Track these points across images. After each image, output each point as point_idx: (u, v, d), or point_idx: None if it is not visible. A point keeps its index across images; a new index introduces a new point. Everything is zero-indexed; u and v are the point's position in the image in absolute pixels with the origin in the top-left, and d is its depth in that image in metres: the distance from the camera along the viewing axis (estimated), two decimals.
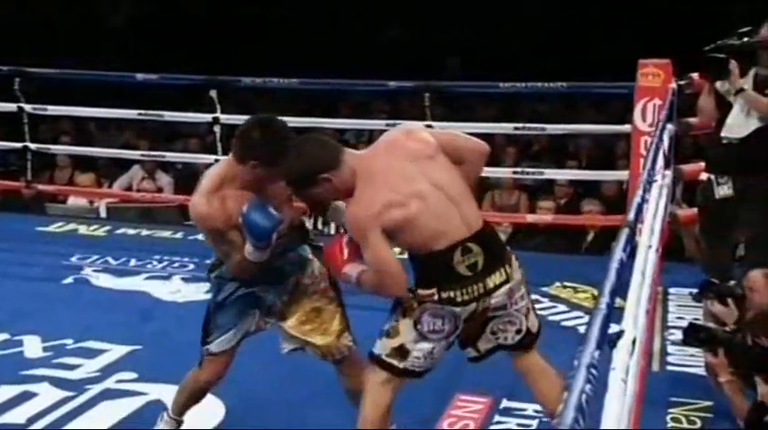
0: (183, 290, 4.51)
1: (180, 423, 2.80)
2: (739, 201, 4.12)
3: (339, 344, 2.68)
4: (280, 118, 2.60)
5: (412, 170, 2.33)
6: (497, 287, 2.39)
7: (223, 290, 2.66)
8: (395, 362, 2.41)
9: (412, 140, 2.39)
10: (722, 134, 4.03)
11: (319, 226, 5.59)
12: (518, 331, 2.49)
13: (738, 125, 3.97)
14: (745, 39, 3.97)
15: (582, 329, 3.88)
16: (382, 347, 2.43)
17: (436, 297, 2.34)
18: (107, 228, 5.75)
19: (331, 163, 2.32)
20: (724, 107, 4.04)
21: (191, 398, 2.79)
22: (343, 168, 2.32)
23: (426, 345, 2.39)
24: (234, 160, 2.52)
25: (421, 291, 2.36)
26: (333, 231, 5.43)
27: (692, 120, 4.52)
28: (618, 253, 1.61)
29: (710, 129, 4.23)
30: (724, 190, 4.05)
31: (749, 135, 3.96)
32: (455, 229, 2.34)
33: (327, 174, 2.31)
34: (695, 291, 4.30)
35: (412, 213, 2.29)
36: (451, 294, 2.33)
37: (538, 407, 3.14)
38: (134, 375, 3.41)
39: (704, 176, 4.21)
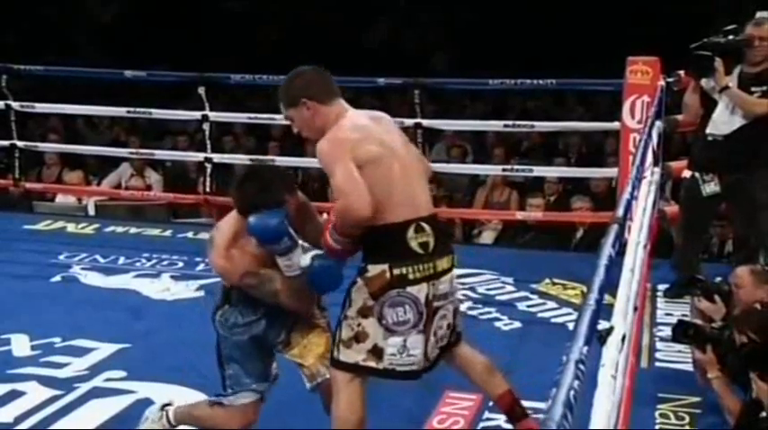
0: (172, 288, 4.49)
1: (174, 426, 2.77)
2: (725, 199, 4.15)
3: (320, 367, 2.62)
4: (269, 161, 2.65)
5: (386, 136, 2.47)
6: (445, 272, 2.43)
7: (224, 341, 2.61)
8: (373, 364, 2.41)
9: (394, 125, 2.59)
10: (707, 131, 4.06)
11: None
12: (448, 326, 2.53)
13: (723, 122, 4.00)
14: (731, 37, 4.00)
15: (571, 326, 3.89)
16: (356, 354, 2.41)
17: (388, 274, 2.34)
18: (95, 225, 5.72)
19: (318, 94, 2.44)
20: (709, 104, 4.06)
21: (202, 427, 2.73)
22: (329, 106, 2.44)
23: (397, 339, 2.38)
24: (239, 215, 2.52)
25: (371, 268, 2.37)
26: None
27: (680, 117, 4.54)
28: (607, 249, 1.61)
29: (695, 127, 4.26)
30: (711, 187, 4.08)
31: (734, 132, 3.99)
32: (411, 204, 2.40)
33: (310, 102, 2.42)
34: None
35: (380, 155, 2.38)
36: (403, 271, 2.35)
37: (527, 404, 3.13)
38: (123, 374, 3.39)
39: (687, 174, 4.23)
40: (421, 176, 2.49)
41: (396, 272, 2.35)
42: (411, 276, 2.36)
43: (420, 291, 2.37)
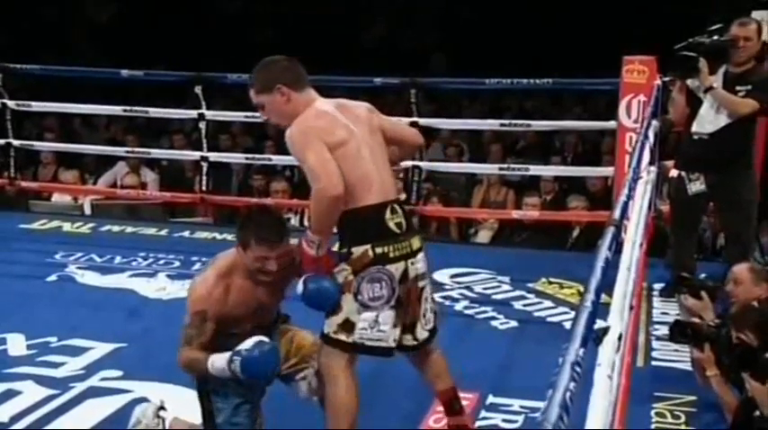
0: (168, 287, 4.48)
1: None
2: (711, 197, 4.18)
3: (313, 354, 2.64)
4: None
5: (352, 122, 2.56)
6: (418, 250, 2.56)
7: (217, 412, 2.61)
8: (342, 337, 2.50)
9: (362, 109, 2.64)
10: (693, 130, 4.10)
11: (306, 222, 5.58)
12: (431, 309, 2.66)
13: (708, 121, 4.04)
14: (715, 37, 4.02)
15: (568, 325, 3.92)
16: (329, 325, 2.52)
17: (370, 253, 2.45)
18: (91, 225, 5.71)
19: (292, 81, 2.54)
20: (695, 103, 4.09)
21: None
22: (301, 94, 2.54)
23: (370, 314, 2.48)
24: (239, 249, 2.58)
25: (355, 250, 2.46)
26: None
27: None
28: (603, 251, 1.61)
29: (682, 126, 4.28)
30: (697, 186, 4.11)
31: (719, 131, 4.02)
32: (384, 187, 2.52)
33: (285, 88, 2.52)
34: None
35: (347, 139, 2.48)
36: (384, 249, 2.47)
37: (524, 403, 3.16)
38: (119, 373, 3.39)
39: (674, 173, 4.25)
40: (386, 162, 2.59)
41: (378, 250, 2.46)
42: (391, 254, 2.48)
43: (398, 268, 2.49)
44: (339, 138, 2.47)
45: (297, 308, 2.71)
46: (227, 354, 2.45)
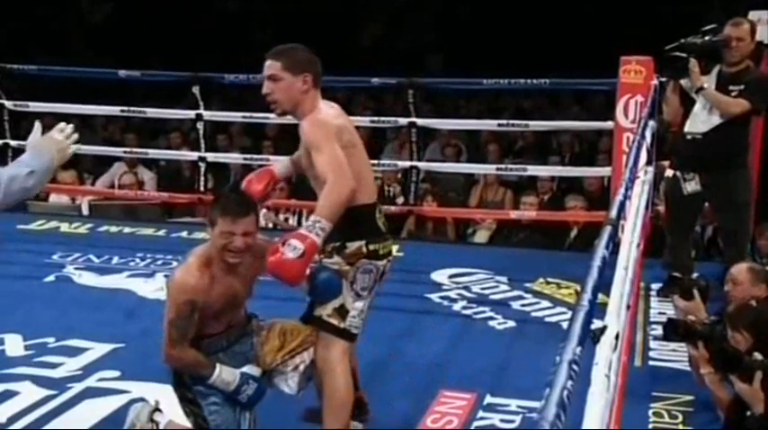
0: (165, 288, 4.47)
1: None
2: (706, 197, 4.19)
3: (312, 335, 2.66)
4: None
5: (351, 125, 2.73)
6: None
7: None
8: (335, 322, 2.59)
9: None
10: (686, 130, 4.11)
11: (304, 221, 5.58)
12: None
13: (701, 121, 4.05)
14: (707, 38, 4.03)
15: (565, 325, 3.91)
16: (323, 309, 2.60)
17: (364, 249, 2.59)
18: (89, 225, 5.71)
19: (316, 76, 2.63)
20: (688, 103, 4.10)
21: None
22: (316, 92, 2.64)
23: (360, 304, 2.62)
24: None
25: (350, 245, 2.58)
26: None
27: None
28: (600, 250, 1.62)
29: (676, 126, 4.29)
30: (692, 185, 4.12)
31: (711, 130, 4.03)
32: (373, 188, 2.72)
33: (311, 78, 2.60)
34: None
35: (354, 141, 2.63)
36: (376, 247, 2.62)
37: (521, 403, 3.16)
38: (116, 373, 3.39)
39: (669, 173, 4.26)
40: (370, 164, 2.76)
41: (371, 247, 2.60)
42: (380, 252, 2.63)
43: (383, 265, 2.65)
44: (349, 139, 2.61)
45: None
46: (235, 371, 2.57)
